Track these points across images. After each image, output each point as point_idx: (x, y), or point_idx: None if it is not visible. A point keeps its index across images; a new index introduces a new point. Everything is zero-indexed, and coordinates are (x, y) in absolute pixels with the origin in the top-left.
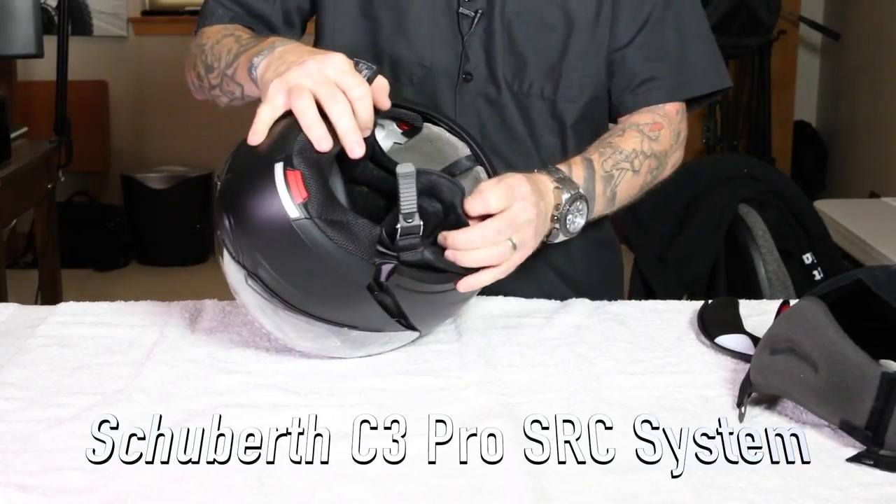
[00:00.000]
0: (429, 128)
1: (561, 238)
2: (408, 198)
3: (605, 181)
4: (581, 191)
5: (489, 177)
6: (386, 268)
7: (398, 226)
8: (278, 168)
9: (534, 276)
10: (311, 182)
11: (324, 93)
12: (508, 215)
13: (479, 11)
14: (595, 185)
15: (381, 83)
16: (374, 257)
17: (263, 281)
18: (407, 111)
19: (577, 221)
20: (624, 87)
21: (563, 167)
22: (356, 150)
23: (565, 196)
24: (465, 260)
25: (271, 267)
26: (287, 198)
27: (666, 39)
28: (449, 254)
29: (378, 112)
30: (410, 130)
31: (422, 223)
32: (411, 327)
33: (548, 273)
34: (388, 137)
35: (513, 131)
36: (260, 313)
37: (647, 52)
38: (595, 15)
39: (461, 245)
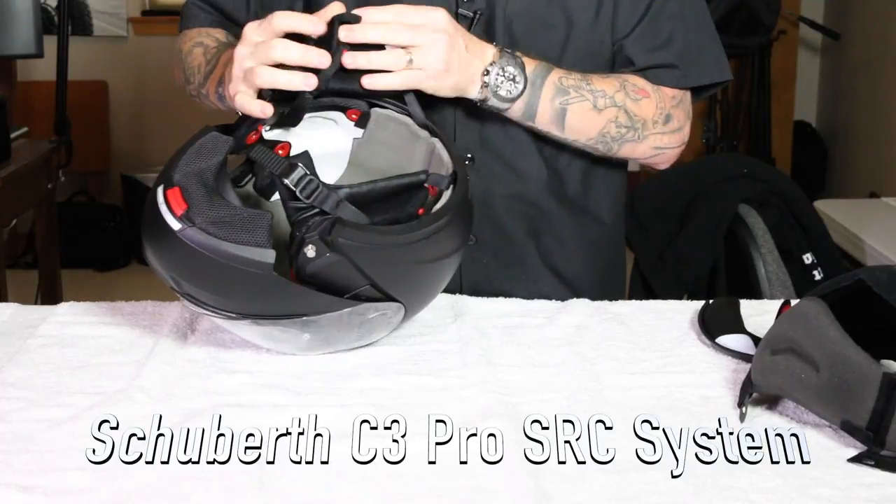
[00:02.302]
0: (375, 111)
1: (494, 102)
2: (268, 161)
3: (558, 91)
4: (521, 64)
5: (446, 147)
6: (324, 227)
7: (285, 182)
8: (159, 191)
9: (532, 277)
10: (192, 193)
11: (260, 51)
12: (410, 24)
13: (479, 12)
14: (544, 84)
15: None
16: (270, 241)
17: (192, 296)
18: (349, 98)
19: (504, 89)
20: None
21: (518, 53)
22: (318, 60)
23: (501, 60)
24: (357, 60)
25: (186, 281)
26: (168, 214)
27: (667, 28)
28: (347, 58)
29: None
30: (361, 118)
31: (300, 165)
32: (389, 297)
33: (546, 275)
34: (344, 133)
35: (513, 132)
36: (231, 327)
37: (647, 43)
38: (595, 13)
39: (357, 33)
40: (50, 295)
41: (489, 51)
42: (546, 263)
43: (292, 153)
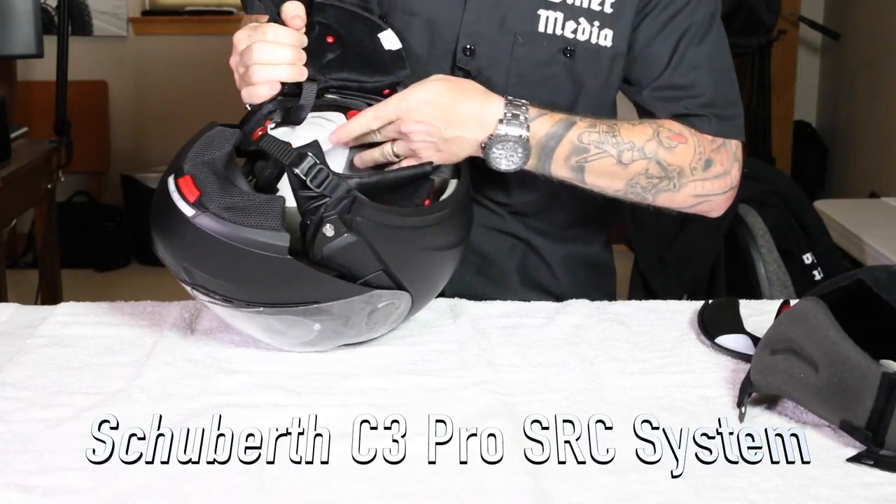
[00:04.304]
0: None
1: (491, 166)
2: (279, 152)
3: (575, 150)
4: (525, 136)
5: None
6: (343, 205)
7: (296, 171)
8: (170, 180)
9: (516, 294)
10: (203, 180)
11: (245, 56)
12: (392, 126)
13: (478, 69)
14: (559, 145)
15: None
16: (284, 225)
17: (204, 286)
18: (349, 99)
19: (505, 161)
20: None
21: (534, 110)
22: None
23: (500, 131)
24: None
25: (199, 270)
26: (181, 201)
27: (696, 80)
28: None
29: (319, 96)
30: None
31: (310, 155)
32: (399, 285)
33: (531, 292)
34: None
35: (510, 186)
36: (238, 322)
37: (669, 94)
38: (605, 77)
39: (341, 136)
40: (50, 295)
41: (489, 118)
42: (530, 283)
43: None
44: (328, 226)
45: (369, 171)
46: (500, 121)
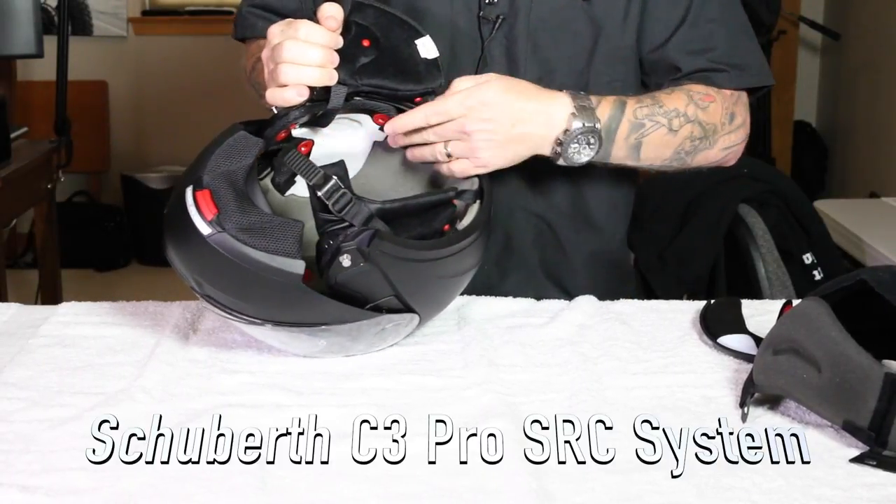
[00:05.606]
0: None
1: (561, 163)
2: (305, 171)
3: (633, 128)
4: (598, 126)
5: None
6: (362, 237)
7: (319, 195)
8: (188, 192)
9: (532, 287)
10: (222, 196)
11: (276, 52)
12: (453, 124)
13: (501, 17)
14: (619, 126)
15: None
16: (300, 251)
17: (212, 297)
18: (378, 102)
19: (583, 153)
20: (669, 79)
21: (593, 98)
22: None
23: (576, 125)
24: (396, 140)
25: (210, 284)
26: (198, 217)
27: (709, 32)
28: (389, 137)
29: (348, 100)
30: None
31: (334, 178)
32: (408, 309)
33: (548, 286)
34: (367, 135)
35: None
36: (246, 329)
37: (691, 47)
38: (622, 19)
39: (396, 126)
40: (50, 295)
41: (559, 114)
42: (549, 275)
43: (315, 150)
44: (345, 256)
45: (392, 197)
46: (573, 114)
